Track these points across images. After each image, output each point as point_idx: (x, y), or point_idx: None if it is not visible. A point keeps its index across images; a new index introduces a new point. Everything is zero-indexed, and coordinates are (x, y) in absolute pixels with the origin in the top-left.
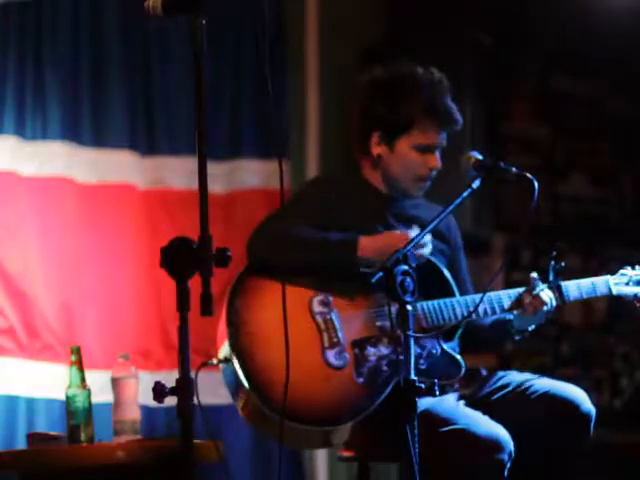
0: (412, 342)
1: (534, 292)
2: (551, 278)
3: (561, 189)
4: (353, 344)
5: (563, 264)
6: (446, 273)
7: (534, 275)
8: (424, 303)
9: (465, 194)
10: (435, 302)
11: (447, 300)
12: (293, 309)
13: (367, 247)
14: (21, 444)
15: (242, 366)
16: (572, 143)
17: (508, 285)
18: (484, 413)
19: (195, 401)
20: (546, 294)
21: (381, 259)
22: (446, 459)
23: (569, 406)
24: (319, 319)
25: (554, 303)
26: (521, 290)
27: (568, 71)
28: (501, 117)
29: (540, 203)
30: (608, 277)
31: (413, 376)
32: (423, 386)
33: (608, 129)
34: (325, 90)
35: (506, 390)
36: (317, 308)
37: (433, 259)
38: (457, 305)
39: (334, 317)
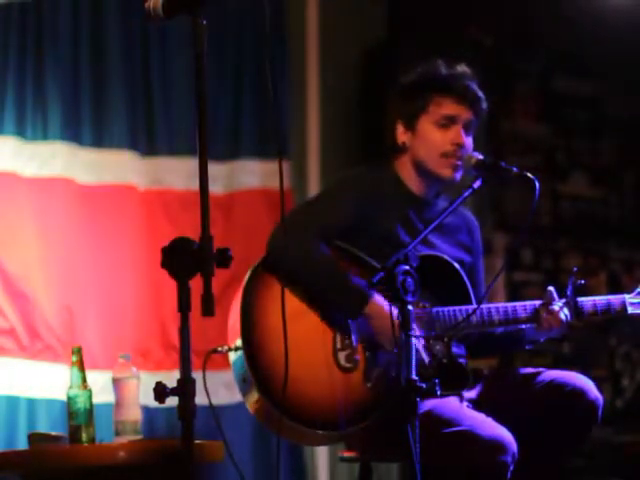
0: (413, 342)
1: (551, 307)
2: (569, 294)
3: (561, 189)
4: (365, 347)
5: (583, 281)
6: (466, 280)
7: (551, 289)
8: (440, 309)
9: (466, 194)
10: (451, 309)
11: (463, 308)
12: None
13: (374, 311)
14: (22, 444)
15: (250, 357)
16: (572, 143)
17: (509, 285)
18: (488, 411)
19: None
20: (562, 312)
21: (380, 332)
22: (449, 460)
23: (576, 394)
24: None
25: (569, 319)
26: (537, 303)
27: (568, 71)
28: (502, 117)
29: (540, 203)
30: (624, 296)
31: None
32: (424, 386)
33: (608, 129)
34: (325, 90)
35: (510, 384)
36: None
37: (456, 265)
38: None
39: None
